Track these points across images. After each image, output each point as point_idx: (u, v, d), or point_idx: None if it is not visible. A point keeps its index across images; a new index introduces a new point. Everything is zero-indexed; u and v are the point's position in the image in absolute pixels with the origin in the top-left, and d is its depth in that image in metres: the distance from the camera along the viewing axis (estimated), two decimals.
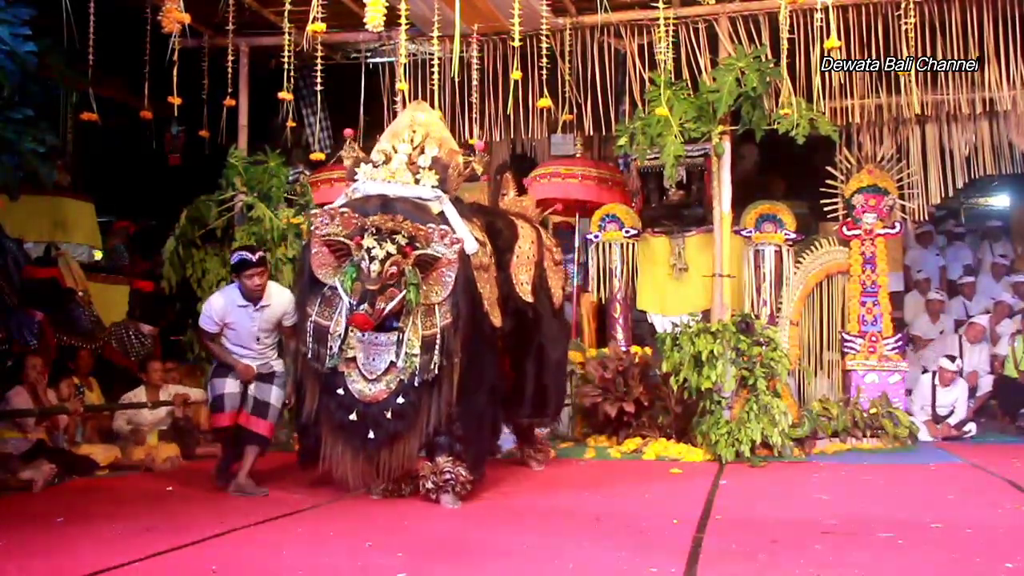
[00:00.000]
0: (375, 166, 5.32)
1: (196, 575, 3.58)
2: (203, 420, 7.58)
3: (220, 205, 8.02)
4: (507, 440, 6.65)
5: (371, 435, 4.96)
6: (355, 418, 4.99)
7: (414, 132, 5.41)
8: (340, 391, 5.03)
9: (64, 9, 6.02)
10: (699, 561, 3.64)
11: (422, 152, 5.33)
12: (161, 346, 8.26)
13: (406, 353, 4.95)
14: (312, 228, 5.12)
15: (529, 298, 5.98)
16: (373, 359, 5.00)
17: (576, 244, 9.29)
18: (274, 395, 5.66)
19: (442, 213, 5.19)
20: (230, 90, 7.77)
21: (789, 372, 7.21)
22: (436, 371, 4.95)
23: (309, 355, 5.10)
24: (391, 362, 4.98)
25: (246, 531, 4.35)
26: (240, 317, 5.60)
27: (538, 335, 6.10)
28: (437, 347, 4.95)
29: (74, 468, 6.15)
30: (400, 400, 4.95)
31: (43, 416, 6.41)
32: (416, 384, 4.95)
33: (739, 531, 4.22)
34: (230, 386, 5.62)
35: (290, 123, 7.80)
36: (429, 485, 5.05)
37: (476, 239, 5.30)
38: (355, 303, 4.86)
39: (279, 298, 5.64)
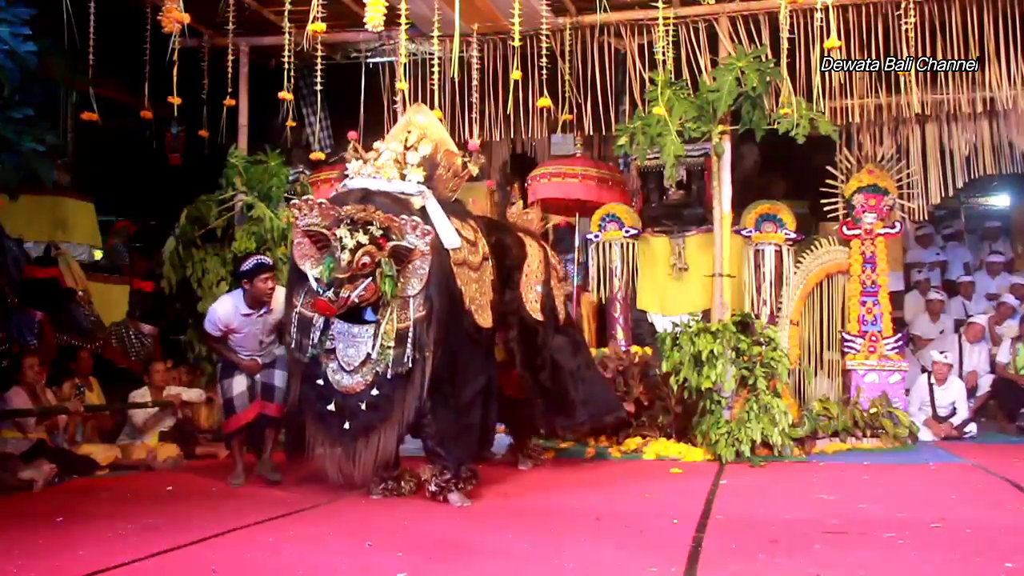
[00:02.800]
0: (364, 162, 5.31)
1: (196, 575, 3.58)
2: (202, 420, 7.59)
3: (220, 205, 8.01)
4: (501, 443, 6.73)
5: (346, 426, 4.98)
6: (333, 408, 5.02)
7: (409, 132, 5.41)
8: (320, 381, 5.07)
9: (64, 9, 6.02)
10: (699, 561, 3.63)
11: (414, 151, 5.32)
12: (161, 346, 8.27)
13: (381, 345, 4.95)
14: (293, 219, 5.14)
15: (539, 316, 6.05)
16: (350, 350, 5.01)
17: (576, 244, 9.29)
18: (278, 377, 5.85)
19: (423, 208, 5.16)
20: (230, 90, 7.77)
21: (789, 372, 7.20)
22: (409, 364, 4.92)
23: (293, 345, 5.15)
24: (367, 354, 4.98)
25: (246, 531, 4.35)
26: (243, 324, 5.72)
27: (547, 350, 6.14)
28: (409, 340, 4.93)
29: (74, 468, 6.15)
30: (375, 392, 4.96)
31: (43, 416, 6.41)
32: (390, 377, 4.94)
33: (739, 531, 4.22)
34: (238, 385, 5.78)
35: (290, 123, 7.81)
36: (432, 488, 5.09)
37: (466, 238, 5.30)
38: (323, 290, 4.84)
39: (280, 303, 5.69)
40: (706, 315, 7.70)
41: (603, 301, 8.43)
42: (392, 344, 4.94)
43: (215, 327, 5.73)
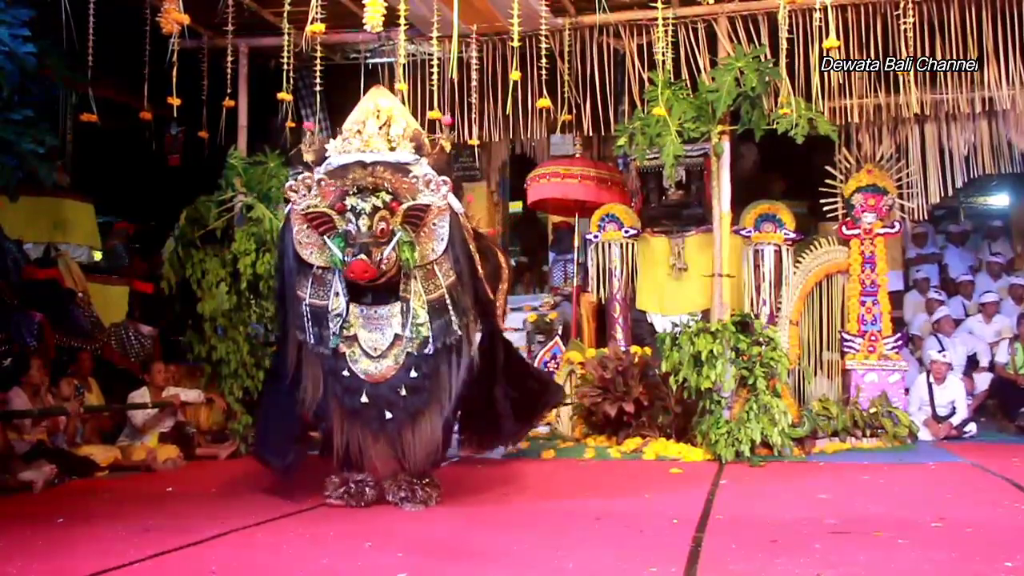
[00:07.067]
0: (345, 139, 4.92)
1: (196, 575, 3.58)
2: (202, 421, 7.58)
3: (220, 206, 8.00)
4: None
5: (388, 416, 4.70)
6: (366, 400, 4.72)
7: (379, 111, 5.08)
8: (345, 373, 4.77)
9: (64, 9, 6.01)
10: (699, 561, 3.64)
11: (390, 126, 5.01)
12: (161, 346, 8.26)
13: (412, 323, 4.66)
14: (290, 204, 4.82)
15: (504, 325, 5.96)
16: (374, 334, 4.72)
17: (576, 244, 9.29)
18: None
19: (424, 175, 4.84)
20: (230, 90, 7.77)
21: (789, 372, 7.20)
22: (458, 332, 4.69)
23: (311, 340, 4.80)
24: (395, 335, 4.71)
25: (246, 531, 4.35)
26: None
27: (499, 364, 5.87)
28: (450, 308, 4.68)
29: (74, 469, 6.15)
30: (413, 374, 4.69)
31: (43, 416, 6.41)
32: (431, 353, 4.68)
33: (739, 531, 4.23)
34: None
35: (290, 123, 7.80)
36: (390, 498, 4.94)
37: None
38: (349, 258, 4.52)
39: None
40: (706, 315, 7.69)
41: (603, 301, 8.42)
42: (424, 320, 4.66)
43: None
